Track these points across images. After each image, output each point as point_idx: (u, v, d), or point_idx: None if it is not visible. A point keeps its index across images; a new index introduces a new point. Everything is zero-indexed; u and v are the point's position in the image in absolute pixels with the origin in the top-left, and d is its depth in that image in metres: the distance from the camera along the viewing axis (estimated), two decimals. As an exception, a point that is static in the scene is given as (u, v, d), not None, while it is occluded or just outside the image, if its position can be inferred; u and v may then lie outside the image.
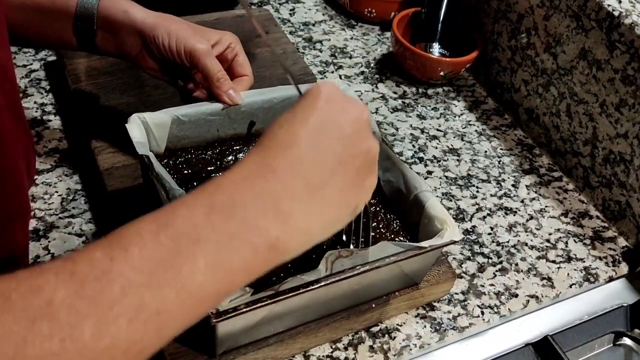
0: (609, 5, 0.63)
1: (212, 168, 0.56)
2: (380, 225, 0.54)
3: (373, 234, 0.53)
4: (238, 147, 0.58)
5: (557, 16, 0.70)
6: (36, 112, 0.68)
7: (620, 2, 0.64)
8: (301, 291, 0.44)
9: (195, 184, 0.54)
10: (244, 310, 0.41)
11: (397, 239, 0.53)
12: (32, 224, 0.57)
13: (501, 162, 0.74)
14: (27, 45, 0.70)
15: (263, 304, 0.42)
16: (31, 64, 0.73)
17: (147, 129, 0.53)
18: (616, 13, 0.62)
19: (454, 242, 0.49)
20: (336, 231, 0.36)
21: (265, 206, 0.30)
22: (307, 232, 0.33)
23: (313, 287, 0.44)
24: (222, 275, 0.28)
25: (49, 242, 0.56)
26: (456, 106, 0.81)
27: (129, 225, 0.28)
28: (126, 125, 0.51)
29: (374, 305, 0.52)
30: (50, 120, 0.67)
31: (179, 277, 0.27)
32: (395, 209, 0.55)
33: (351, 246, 0.51)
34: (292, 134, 0.33)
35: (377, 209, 0.55)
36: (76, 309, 0.24)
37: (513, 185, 0.71)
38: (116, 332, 0.25)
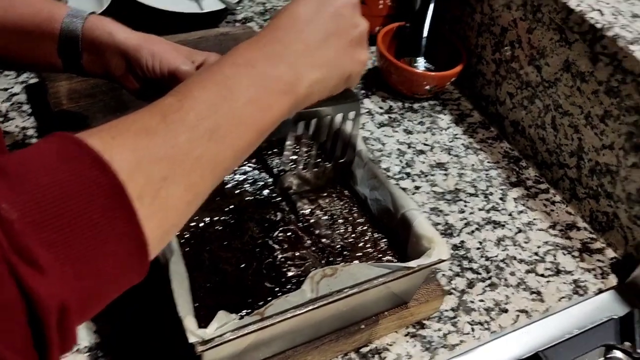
0: (591, 17, 0.63)
1: (197, 190, 0.55)
2: (368, 245, 0.53)
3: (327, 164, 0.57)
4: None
5: (541, 29, 0.70)
6: (18, 135, 0.67)
7: (602, 14, 0.64)
8: (288, 316, 0.43)
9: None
10: (230, 338, 0.41)
11: (385, 258, 0.52)
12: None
13: (488, 176, 0.74)
14: (11, 67, 0.69)
15: (249, 331, 0.41)
16: (12, 87, 0.73)
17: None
18: (599, 25, 0.62)
19: (442, 261, 0.48)
20: (335, 92, 0.44)
21: (275, 62, 0.38)
22: (310, 82, 0.40)
23: (301, 311, 0.44)
24: (257, 111, 0.37)
25: (31, 269, 0.55)
26: (442, 120, 0.81)
27: (184, 83, 0.36)
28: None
29: (363, 326, 0.52)
30: (32, 144, 0.66)
31: (231, 110, 0.35)
32: (383, 228, 0.55)
33: (308, 171, 0.55)
34: (292, 15, 0.41)
35: (365, 227, 0.55)
36: (170, 128, 0.32)
37: (501, 199, 0.71)
38: (202, 146, 0.33)
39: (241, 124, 0.36)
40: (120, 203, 0.28)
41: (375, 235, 0.54)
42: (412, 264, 0.47)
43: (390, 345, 0.55)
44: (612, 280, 0.65)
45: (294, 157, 0.55)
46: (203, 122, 0.34)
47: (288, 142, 0.52)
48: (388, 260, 0.52)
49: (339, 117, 0.52)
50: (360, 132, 0.57)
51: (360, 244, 0.53)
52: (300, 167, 0.56)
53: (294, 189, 0.56)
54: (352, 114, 0.52)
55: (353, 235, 0.54)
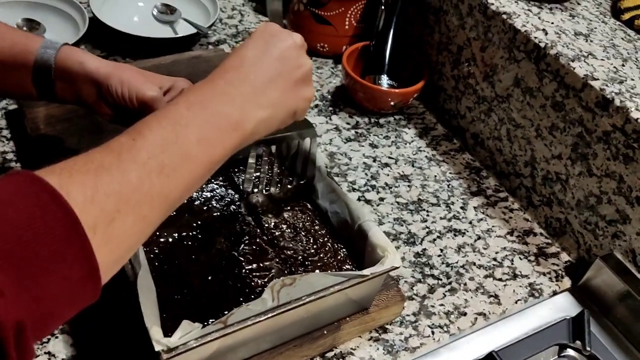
0: (535, 37, 0.68)
1: (167, 208, 0.58)
2: (329, 255, 0.57)
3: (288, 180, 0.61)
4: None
5: (492, 48, 0.74)
6: (-3, 159, 0.70)
7: (546, 34, 0.69)
8: (249, 323, 0.46)
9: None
10: (194, 345, 0.44)
11: (344, 267, 0.56)
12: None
13: (450, 186, 0.78)
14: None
15: (212, 338, 0.44)
16: (-7, 112, 0.76)
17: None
18: (542, 44, 0.67)
19: (395, 268, 0.52)
20: (282, 126, 0.47)
21: (225, 100, 0.42)
22: (256, 121, 0.43)
23: (261, 318, 0.47)
24: (207, 147, 0.40)
25: (10, 287, 0.57)
26: (407, 134, 0.85)
27: (140, 122, 0.39)
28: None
29: (325, 332, 0.55)
30: (11, 168, 0.69)
31: (181, 148, 0.39)
32: (343, 239, 0.58)
33: (272, 189, 0.60)
34: (242, 56, 0.45)
35: (326, 239, 0.58)
36: (121, 167, 0.35)
37: (462, 208, 0.75)
38: (151, 180, 0.36)
39: (191, 160, 0.39)
40: (75, 233, 0.31)
41: (335, 245, 0.57)
42: (366, 271, 0.50)
43: (354, 349, 0.58)
44: (567, 282, 0.68)
45: (257, 174, 0.59)
46: (153, 159, 0.37)
47: (250, 161, 0.55)
48: (347, 269, 0.56)
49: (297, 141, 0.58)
50: (318, 151, 0.62)
51: (321, 255, 0.56)
52: (264, 186, 0.60)
53: (259, 207, 0.60)
54: (307, 139, 0.57)
55: (314, 246, 0.57)
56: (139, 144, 0.37)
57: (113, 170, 0.35)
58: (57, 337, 0.54)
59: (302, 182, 0.61)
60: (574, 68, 0.64)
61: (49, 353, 0.53)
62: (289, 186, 0.61)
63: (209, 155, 0.40)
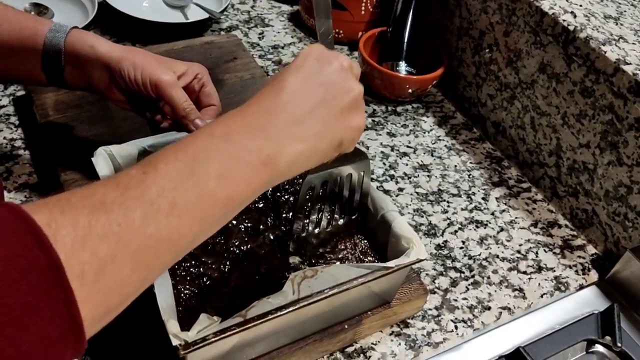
0: (564, 20, 0.65)
1: (181, 197, 0.56)
2: (349, 246, 0.54)
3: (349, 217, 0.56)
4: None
5: (516, 32, 0.72)
6: (6, 147, 0.68)
7: (575, 16, 0.66)
8: (270, 317, 0.44)
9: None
10: (212, 340, 0.42)
11: (365, 259, 0.54)
12: None
13: (471, 176, 0.75)
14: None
15: (231, 332, 0.42)
16: (0, 100, 0.74)
17: (114, 161, 0.53)
18: (571, 27, 0.64)
19: (420, 261, 0.49)
20: (325, 160, 0.42)
21: (255, 134, 0.37)
22: (292, 155, 0.38)
23: (282, 312, 0.45)
24: (227, 185, 0.35)
25: (20, 278, 0.56)
26: (425, 122, 0.82)
27: (156, 154, 0.35)
28: (92, 159, 0.51)
29: (346, 326, 0.53)
30: (20, 155, 0.67)
31: (197, 184, 0.34)
32: (363, 230, 0.56)
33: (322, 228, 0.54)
34: (282, 81, 0.40)
35: (346, 228, 0.56)
36: (125, 205, 0.31)
37: (483, 198, 0.72)
38: (157, 222, 0.31)
39: (207, 199, 0.34)
40: (56, 283, 0.27)
41: (356, 236, 0.55)
42: (391, 263, 0.48)
43: (375, 344, 0.56)
44: (593, 276, 0.66)
45: (306, 219, 0.54)
46: (163, 197, 0.32)
47: (300, 200, 0.51)
48: (369, 261, 0.53)
49: (351, 175, 0.52)
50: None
51: (342, 246, 0.54)
52: (314, 226, 0.54)
53: (308, 249, 0.55)
54: (361, 173, 0.52)
55: (335, 237, 0.55)
56: (151, 178, 0.32)
57: (115, 208, 0.30)
58: (68, 330, 0.52)
59: (353, 217, 0.55)
60: (605, 52, 0.61)
61: (60, 347, 0.51)
62: (340, 222, 0.55)
63: (230, 194, 0.35)
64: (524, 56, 0.71)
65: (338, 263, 0.52)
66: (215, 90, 0.59)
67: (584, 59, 0.63)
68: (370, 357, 0.55)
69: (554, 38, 0.66)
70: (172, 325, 0.41)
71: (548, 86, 0.69)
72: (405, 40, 0.82)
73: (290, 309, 0.45)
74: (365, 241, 0.55)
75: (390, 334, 0.57)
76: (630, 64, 0.60)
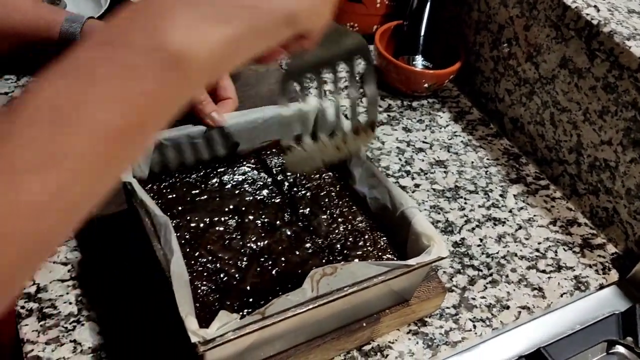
0: (587, 14, 0.63)
1: (197, 191, 0.55)
2: (368, 244, 0.53)
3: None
4: (222, 169, 0.57)
5: (537, 26, 0.70)
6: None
7: (598, 10, 0.64)
8: (290, 315, 0.43)
9: (180, 208, 0.53)
10: (232, 337, 0.41)
11: (384, 256, 0.53)
12: (17, 254, 0.56)
13: (488, 173, 0.74)
14: (10, 71, 0.70)
15: (250, 330, 0.42)
16: (12, 91, 0.73)
17: (130, 154, 0.52)
18: (595, 22, 0.63)
19: (442, 259, 0.48)
20: (271, 45, 0.30)
21: (148, 25, 0.26)
22: (214, 43, 0.27)
23: (301, 310, 0.44)
24: (120, 109, 0.25)
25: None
26: (441, 117, 0.81)
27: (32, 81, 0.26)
28: (108, 152, 0.51)
29: (364, 324, 0.52)
30: None
31: (84, 117, 0.25)
32: (382, 226, 0.55)
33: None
34: None
35: (364, 226, 0.55)
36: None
37: (501, 195, 0.71)
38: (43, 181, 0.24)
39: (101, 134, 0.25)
40: None
41: (375, 233, 0.54)
42: (412, 261, 0.47)
43: (392, 343, 0.55)
44: (614, 275, 0.65)
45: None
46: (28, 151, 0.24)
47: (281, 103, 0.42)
48: (387, 259, 0.52)
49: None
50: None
51: (360, 243, 0.53)
52: (310, 141, 0.45)
53: (304, 169, 0.48)
54: (359, 63, 0.41)
55: (353, 234, 0.54)
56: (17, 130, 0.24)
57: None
58: (83, 325, 0.52)
59: (366, 120, 0.44)
60: (630, 47, 0.60)
61: (74, 341, 0.51)
62: (345, 132, 0.45)
63: (129, 120, 0.25)
64: (544, 51, 0.70)
65: (357, 260, 0.51)
66: (231, 83, 0.58)
67: (608, 54, 0.62)
68: (387, 355, 0.54)
69: (576, 32, 0.65)
70: (191, 322, 0.40)
71: (569, 81, 0.68)
72: (422, 34, 0.81)
73: (310, 306, 0.44)
74: (385, 238, 0.54)
75: (408, 333, 0.56)
76: (656, 59, 0.59)
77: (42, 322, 0.51)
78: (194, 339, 0.40)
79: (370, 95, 0.44)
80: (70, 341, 0.50)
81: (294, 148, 0.45)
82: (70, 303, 0.53)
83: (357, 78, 0.44)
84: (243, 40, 0.28)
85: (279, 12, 0.29)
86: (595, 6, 0.65)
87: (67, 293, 0.54)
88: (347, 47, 0.39)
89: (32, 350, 0.50)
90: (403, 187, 0.70)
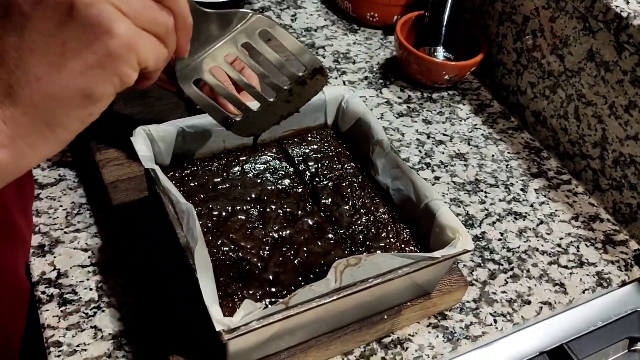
0: (617, 6, 0.62)
1: (219, 180, 0.55)
2: (391, 235, 0.53)
3: None
4: (244, 158, 0.57)
5: (564, 18, 0.69)
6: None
7: (628, 3, 0.63)
8: (314, 305, 0.43)
9: (202, 196, 0.53)
10: (256, 327, 0.41)
11: (407, 249, 0.52)
12: (37, 239, 0.56)
13: (509, 166, 0.73)
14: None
15: (275, 320, 0.41)
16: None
17: (153, 141, 0.52)
18: (625, 14, 0.61)
19: (467, 252, 0.48)
20: (67, 140, 0.29)
21: None
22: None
23: (325, 301, 0.44)
24: None
25: (55, 257, 0.55)
26: (462, 110, 0.80)
27: None
28: (132, 138, 0.50)
29: (385, 317, 0.51)
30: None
31: None
32: (406, 219, 0.54)
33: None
34: None
35: (387, 218, 0.54)
36: None
37: (522, 190, 0.70)
38: None
39: None
40: None
41: (398, 225, 0.54)
42: (437, 254, 0.47)
43: (413, 336, 0.54)
44: (636, 272, 0.64)
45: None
46: None
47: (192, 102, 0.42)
48: (411, 251, 0.52)
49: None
50: (379, 123, 0.51)
51: (383, 235, 0.53)
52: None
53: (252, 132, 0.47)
54: (263, 31, 0.40)
55: (375, 226, 0.53)
56: None
57: None
58: (103, 311, 0.52)
59: (301, 74, 0.44)
60: (661, 40, 0.58)
61: (95, 327, 0.51)
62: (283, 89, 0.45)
63: None
64: (571, 43, 0.69)
65: (379, 252, 0.51)
66: (255, 74, 0.58)
67: (637, 47, 0.61)
68: (407, 348, 0.53)
69: (605, 25, 0.63)
70: (216, 311, 0.40)
71: (596, 75, 0.67)
72: (444, 25, 0.80)
73: (334, 297, 0.44)
74: (408, 230, 0.53)
75: (428, 326, 0.55)
76: (687, 53, 0.57)
77: (62, 308, 0.51)
78: (219, 328, 0.39)
79: (291, 47, 0.43)
80: (91, 327, 0.50)
81: (237, 117, 0.46)
82: (91, 289, 0.53)
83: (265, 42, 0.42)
84: (16, 155, 0.27)
85: (68, 101, 0.27)
86: (624, -2, 0.63)
87: (88, 279, 0.54)
88: (239, 29, 0.38)
89: (53, 335, 0.50)
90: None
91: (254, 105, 0.47)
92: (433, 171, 0.71)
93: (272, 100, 0.46)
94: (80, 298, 0.52)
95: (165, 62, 0.29)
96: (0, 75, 0.26)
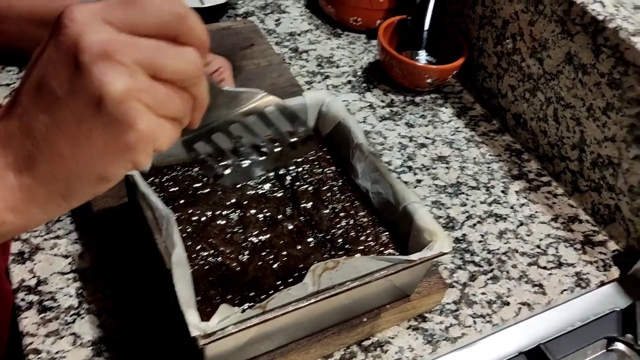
0: (593, 9, 0.63)
1: (199, 185, 0.55)
2: (370, 238, 0.53)
3: None
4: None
5: (542, 21, 0.70)
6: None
7: (604, 6, 0.64)
8: (291, 309, 0.43)
9: (182, 201, 0.53)
10: (232, 331, 0.41)
11: (386, 251, 0.53)
12: (17, 246, 0.56)
13: (490, 169, 0.74)
14: (12, 63, 0.69)
15: (251, 324, 0.41)
16: (14, 83, 0.73)
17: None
18: (600, 17, 0.62)
19: (444, 254, 0.48)
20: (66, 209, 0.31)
21: None
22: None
23: (303, 304, 0.44)
24: None
25: (34, 264, 0.55)
26: (444, 113, 0.81)
27: None
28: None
29: (365, 319, 0.52)
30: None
31: None
32: (385, 221, 0.55)
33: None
34: None
35: (367, 221, 0.55)
36: None
37: (502, 192, 0.71)
38: None
39: None
40: None
41: (377, 228, 0.54)
42: (414, 257, 0.47)
43: (392, 338, 0.55)
44: (615, 272, 0.65)
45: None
46: None
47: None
48: (390, 254, 0.52)
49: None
50: (359, 127, 0.53)
51: (362, 238, 0.53)
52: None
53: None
54: (268, 107, 0.40)
55: (355, 228, 0.54)
56: None
57: None
58: (82, 318, 0.52)
59: (293, 140, 0.44)
60: (635, 43, 0.59)
61: (74, 334, 0.51)
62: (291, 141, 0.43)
63: None
64: (549, 46, 0.70)
65: (359, 255, 0.51)
66: (234, 86, 0.58)
67: (613, 50, 0.62)
68: (387, 350, 0.54)
69: (582, 28, 0.64)
70: (192, 316, 0.40)
71: (574, 77, 0.67)
72: (426, 29, 0.81)
73: (311, 300, 0.44)
74: (387, 233, 0.54)
75: (408, 328, 0.56)
76: (661, 56, 0.58)
77: (42, 315, 0.51)
78: (194, 333, 0.39)
79: (303, 133, 0.44)
80: (70, 334, 0.50)
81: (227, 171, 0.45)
82: (71, 296, 0.53)
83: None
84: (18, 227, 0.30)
85: (80, 183, 0.29)
86: (600, 2, 0.64)
87: (68, 286, 0.54)
88: (249, 105, 0.39)
89: (32, 343, 0.49)
90: (405, 183, 0.69)
91: (245, 162, 0.47)
92: (415, 174, 0.71)
93: (262, 158, 0.46)
94: (60, 305, 0.52)
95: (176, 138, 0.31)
96: (25, 144, 0.28)
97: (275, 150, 0.45)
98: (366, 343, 0.54)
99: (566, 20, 0.66)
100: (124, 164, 0.29)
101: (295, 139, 0.45)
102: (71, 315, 0.52)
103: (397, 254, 0.53)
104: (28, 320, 0.51)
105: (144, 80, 0.27)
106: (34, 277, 0.54)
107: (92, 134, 0.27)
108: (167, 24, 0.27)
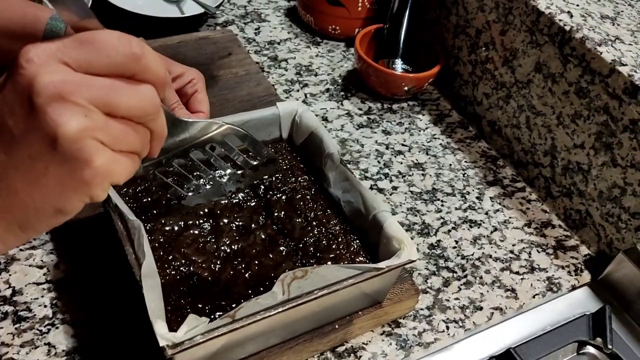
0: (560, 20, 0.64)
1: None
2: (341, 246, 0.54)
3: None
4: (197, 174, 0.58)
5: (513, 31, 0.71)
6: None
7: (572, 16, 0.65)
8: (259, 318, 0.44)
9: (155, 212, 0.54)
10: (200, 341, 0.42)
11: (357, 259, 0.53)
12: (-7, 257, 0.57)
13: (466, 175, 0.75)
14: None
15: (219, 333, 0.42)
16: None
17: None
18: (567, 28, 0.64)
19: (412, 262, 0.49)
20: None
21: None
22: None
23: (271, 313, 0.45)
24: None
25: (10, 275, 0.55)
26: (421, 120, 0.82)
27: None
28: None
29: (337, 326, 0.52)
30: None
31: None
32: (356, 230, 0.55)
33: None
34: None
35: (338, 229, 0.55)
36: None
37: (477, 198, 0.72)
38: None
39: None
40: None
41: (348, 237, 0.55)
42: (382, 264, 0.48)
43: (366, 344, 0.56)
44: (586, 277, 0.66)
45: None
46: None
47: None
48: (360, 262, 0.53)
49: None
50: (330, 137, 0.55)
51: (334, 246, 0.54)
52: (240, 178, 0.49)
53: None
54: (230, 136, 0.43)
55: (326, 237, 0.55)
56: None
57: None
58: (57, 328, 0.52)
59: (255, 163, 0.48)
60: (601, 53, 0.61)
61: (48, 344, 0.51)
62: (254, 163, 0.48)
63: None
64: (520, 55, 0.71)
65: (329, 263, 0.52)
66: (207, 98, 0.59)
67: (580, 59, 0.63)
68: (360, 357, 0.54)
69: (550, 38, 0.66)
70: (160, 326, 0.41)
71: (544, 86, 0.69)
72: (402, 38, 0.82)
73: (280, 309, 0.45)
74: (358, 241, 0.55)
75: (382, 334, 0.57)
76: (625, 65, 0.60)
77: (17, 325, 0.52)
78: (162, 343, 0.40)
79: (253, 146, 0.47)
80: (45, 344, 0.51)
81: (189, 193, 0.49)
82: (46, 306, 0.53)
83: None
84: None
85: (34, 219, 0.30)
86: (568, 12, 0.66)
87: (43, 296, 0.54)
88: (209, 134, 0.42)
89: (7, 353, 0.50)
90: (381, 190, 0.70)
91: (207, 185, 0.50)
92: (391, 181, 0.72)
93: (224, 180, 0.49)
94: (35, 315, 0.53)
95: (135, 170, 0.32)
96: None
97: (238, 172, 0.49)
98: (340, 349, 0.55)
99: (535, 30, 0.68)
100: (81, 198, 0.29)
101: (256, 162, 0.48)
102: (46, 326, 0.52)
103: (368, 261, 0.53)
104: (3, 331, 0.51)
105: (98, 119, 0.27)
106: (9, 287, 0.55)
107: (48, 171, 0.28)
108: (122, 64, 0.28)
